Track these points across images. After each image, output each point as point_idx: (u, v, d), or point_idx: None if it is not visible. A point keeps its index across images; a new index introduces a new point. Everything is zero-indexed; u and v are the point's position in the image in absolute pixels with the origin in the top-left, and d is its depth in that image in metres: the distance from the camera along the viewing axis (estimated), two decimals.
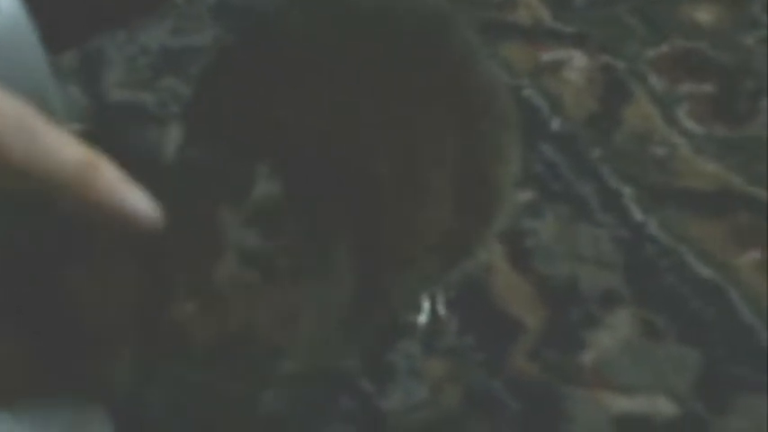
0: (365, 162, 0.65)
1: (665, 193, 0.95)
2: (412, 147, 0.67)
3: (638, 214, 0.93)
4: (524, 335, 0.85)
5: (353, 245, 0.62)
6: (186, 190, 0.53)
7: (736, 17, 1.11)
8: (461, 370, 0.83)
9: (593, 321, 0.86)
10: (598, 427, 0.80)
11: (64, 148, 0.47)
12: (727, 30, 1.10)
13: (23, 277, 0.52)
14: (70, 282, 0.52)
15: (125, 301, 0.52)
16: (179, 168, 0.55)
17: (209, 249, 0.53)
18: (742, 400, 0.81)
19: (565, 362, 0.84)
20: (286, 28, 0.71)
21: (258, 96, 0.66)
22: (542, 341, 0.85)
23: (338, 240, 0.61)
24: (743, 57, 1.06)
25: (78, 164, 0.47)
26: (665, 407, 0.81)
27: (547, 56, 1.08)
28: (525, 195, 0.94)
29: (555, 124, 1.01)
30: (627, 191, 0.95)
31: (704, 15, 1.11)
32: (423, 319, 0.86)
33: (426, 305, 0.86)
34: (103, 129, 0.55)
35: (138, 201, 0.49)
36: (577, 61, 1.07)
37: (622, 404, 0.81)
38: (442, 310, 0.86)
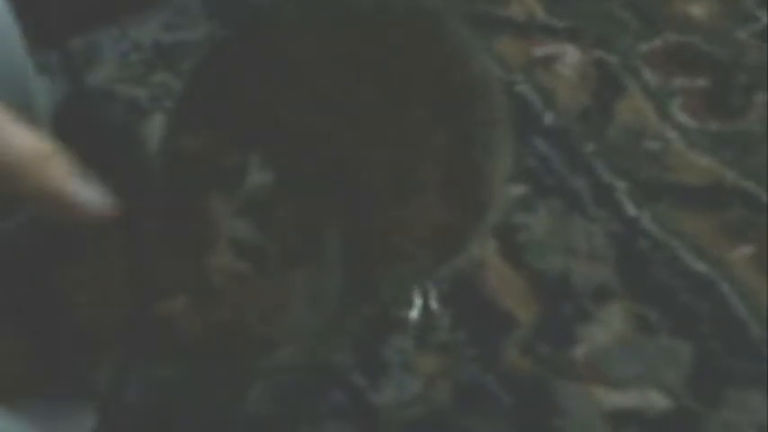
0: (357, 155, 0.64)
1: (658, 187, 0.95)
2: (404, 140, 0.67)
3: (631, 209, 0.93)
4: (517, 329, 0.85)
5: (344, 237, 0.62)
6: (175, 179, 0.53)
7: (730, 11, 1.10)
8: (454, 365, 0.83)
9: (585, 316, 0.86)
10: (591, 421, 0.80)
11: (19, 139, 0.47)
12: (720, 24, 1.09)
13: (18, 278, 0.52)
14: (62, 281, 0.52)
15: (115, 300, 0.52)
16: (165, 157, 0.55)
17: (201, 239, 0.53)
18: (735, 394, 0.80)
19: (557, 356, 0.84)
20: (280, 21, 0.71)
21: (250, 87, 0.66)
22: (535, 336, 0.85)
23: (329, 232, 0.61)
24: (736, 51, 1.06)
25: (34, 154, 0.47)
26: (657, 401, 0.81)
27: (540, 50, 1.08)
28: (518, 190, 0.94)
29: (548, 119, 1.01)
30: (620, 185, 0.95)
31: (697, 9, 1.11)
32: (415, 313, 0.86)
33: (419, 300, 0.86)
34: (81, 110, 0.55)
35: (89, 190, 0.49)
36: (570, 56, 1.07)
37: (615, 398, 0.81)
38: (434, 304, 0.86)
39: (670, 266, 0.89)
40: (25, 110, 0.50)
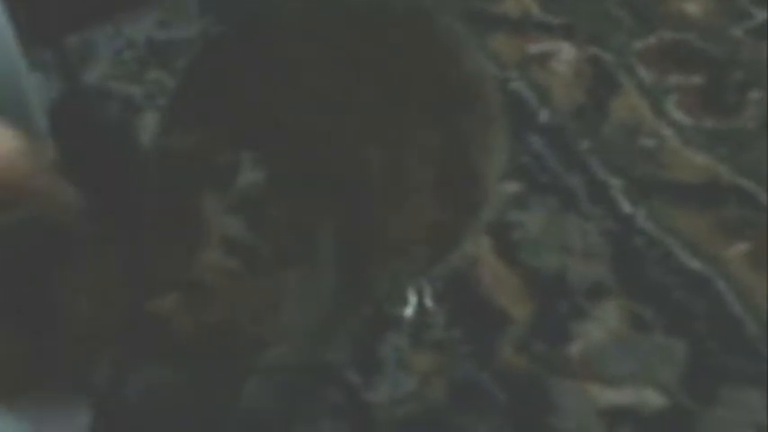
0: (351, 153, 0.64)
1: (653, 184, 0.95)
2: (398, 138, 0.67)
3: (626, 206, 0.93)
4: (512, 327, 0.85)
5: (338, 236, 0.62)
6: (167, 176, 0.53)
7: (725, 8, 1.10)
8: (449, 362, 0.83)
9: (580, 313, 0.86)
10: (585, 418, 0.80)
11: None
12: (715, 21, 1.09)
13: (18, 277, 0.52)
14: (62, 282, 0.52)
15: (113, 299, 0.52)
16: (158, 154, 0.55)
17: (192, 236, 0.53)
18: (729, 391, 0.80)
19: (552, 354, 0.84)
20: (279, 20, 0.71)
21: (246, 86, 0.66)
22: (530, 333, 0.85)
23: (323, 231, 0.61)
24: (731, 48, 1.06)
25: (9, 152, 0.48)
26: (652, 398, 0.81)
27: (535, 47, 1.08)
28: (512, 187, 0.94)
29: (543, 116, 1.01)
30: (615, 183, 0.95)
31: (692, 7, 1.11)
32: (410, 311, 0.86)
33: (413, 298, 0.86)
34: (76, 107, 0.55)
35: (57, 186, 0.49)
36: (565, 53, 1.07)
37: (610, 396, 0.81)
38: (429, 302, 0.86)
39: (665, 264, 0.89)
40: (18, 107, 0.50)
